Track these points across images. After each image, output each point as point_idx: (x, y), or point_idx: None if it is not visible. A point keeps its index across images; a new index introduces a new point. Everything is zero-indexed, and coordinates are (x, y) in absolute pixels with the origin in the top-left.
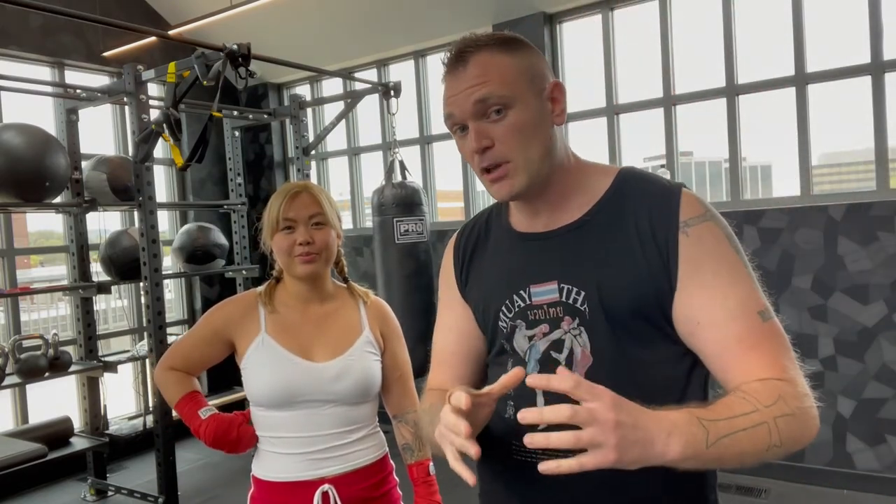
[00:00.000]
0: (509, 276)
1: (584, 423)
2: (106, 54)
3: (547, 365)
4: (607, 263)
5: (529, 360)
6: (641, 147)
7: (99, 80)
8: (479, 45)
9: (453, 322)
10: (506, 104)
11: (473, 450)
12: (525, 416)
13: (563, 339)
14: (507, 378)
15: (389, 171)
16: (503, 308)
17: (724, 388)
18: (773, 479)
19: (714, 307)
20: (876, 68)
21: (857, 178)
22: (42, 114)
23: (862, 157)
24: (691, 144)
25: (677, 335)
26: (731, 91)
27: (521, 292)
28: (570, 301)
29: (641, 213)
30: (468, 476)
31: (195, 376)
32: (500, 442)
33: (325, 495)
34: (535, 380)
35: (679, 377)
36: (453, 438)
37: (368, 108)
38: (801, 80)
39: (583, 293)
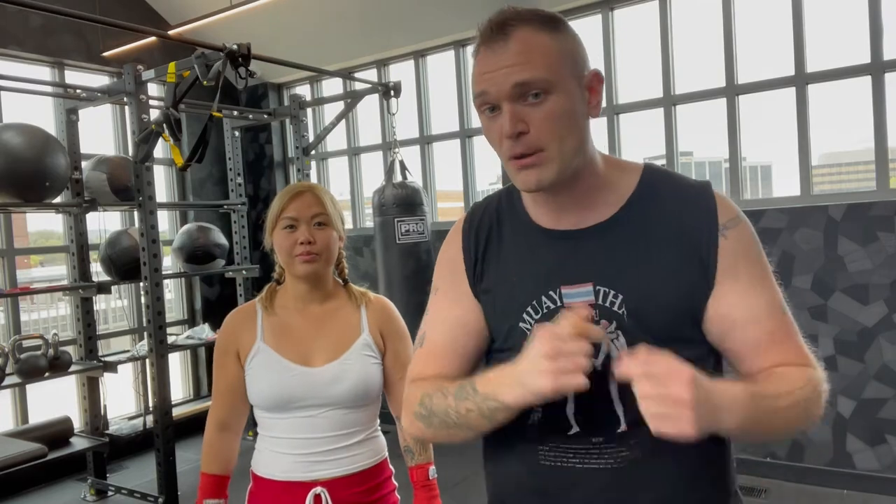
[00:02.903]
0: (536, 276)
1: (657, 401)
2: (106, 54)
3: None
4: (644, 265)
5: None
6: (641, 147)
7: (99, 80)
8: (522, 19)
9: (459, 316)
10: (546, 89)
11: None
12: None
13: (599, 343)
14: (588, 314)
15: (390, 171)
16: (529, 309)
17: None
18: (773, 479)
19: (749, 306)
20: (876, 68)
21: (857, 178)
22: (42, 114)
23: (862, 157)
24: (691, 144)
25: (702, 336)
26: (731, 91)
27: (552, 293)
28: (607, 304)
29: (678, 212)
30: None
31: (243, 420)
32: (525, 448)
33: (316, 498)
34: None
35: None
36: (575, 361)
37: (368, 108)
38: (801, 80)
39: (620, 296)
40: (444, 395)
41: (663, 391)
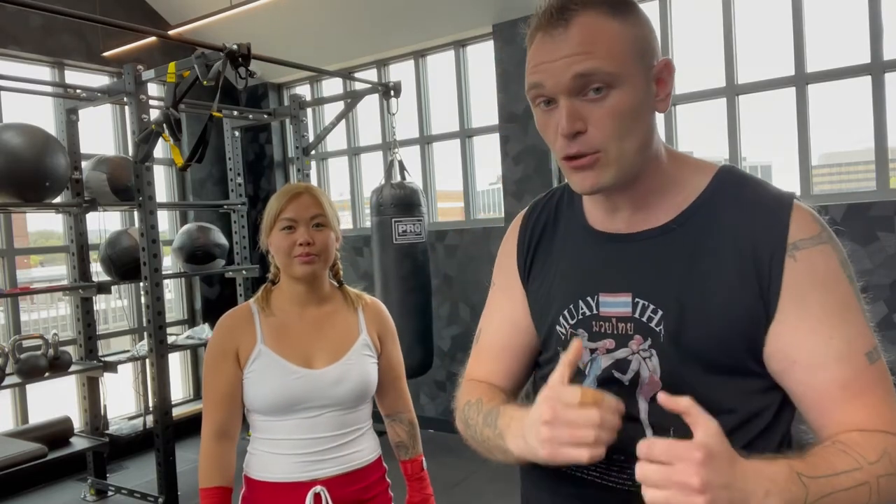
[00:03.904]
0: (576, 279)
1: (661, 486)
2: (106, 54)
3: (606, 385)
4: (694, 281)
5: (589, 375)
6: None
7: (99, 80)
8: (585, 2)
9: (509, 313)
10: (610, 83)
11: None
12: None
13: (629, 359)
14: (572, 355)
15: (389, 171)
16: (565, 313)
17: (815, 433)
18: None
19: (817, 346)
20: (876, 68)
21: (857, 178)
22: (42, 114)
23: (862, 157)
24: (691, 144)
25: (762, 369)
26: (731, 91)
27: (589, 299)
28: (645, 319)
29: (742, 225)
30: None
31: (239, 426)
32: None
33: (316, 497)
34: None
35: (761, 413)
36: (609, 434)
37: (368, 108)
38: (801, 80)
39: (660, 312)
40: (478, 411)
41: (668, 474)
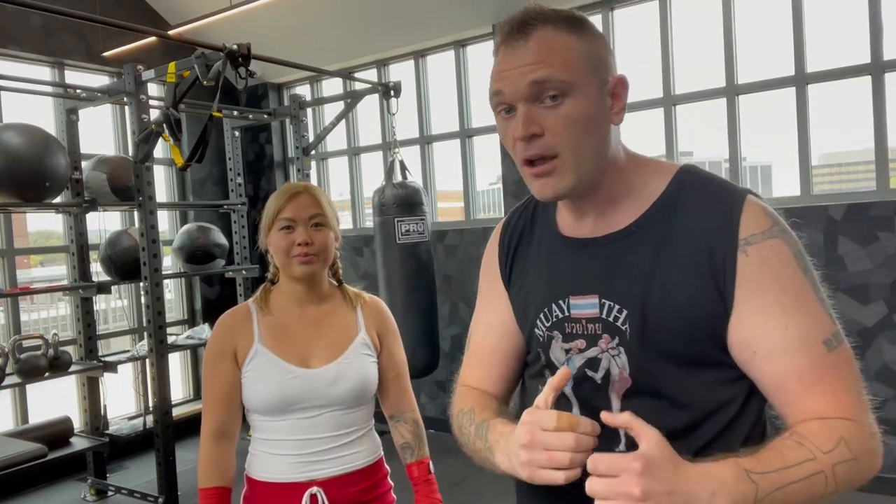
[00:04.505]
0: (549, 283)
1: (606, 497)
2: (106, 54)
3: (581, 383)
4: (655, 281)
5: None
6: (641, 147)
7: (99, 80)
8: (544, 18)
9: (496, 318)
10: (564, 91)
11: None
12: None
13: (599, 357)
14: (557, 380)
15: (390, 171)
16: (541, 316)
17: (782, 420)
18: None
19: (773, 337)
20: (876, 68)
21: (857, 178)
22: (42, 114)
23: (862, 157)
24: (691, 144)
25: (730, 359)
26: (731, 91)
27: (560, 302)
28: (611, 319)
29: (698, 223)
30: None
31: (239, 426)
32: None
33: (312, 498)
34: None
35: (730, 402)
36: (583, 457)
37: (368, 108)
38: (801, 80)
39: (625, 311)
40: (471, 422)
41: (612, 486)
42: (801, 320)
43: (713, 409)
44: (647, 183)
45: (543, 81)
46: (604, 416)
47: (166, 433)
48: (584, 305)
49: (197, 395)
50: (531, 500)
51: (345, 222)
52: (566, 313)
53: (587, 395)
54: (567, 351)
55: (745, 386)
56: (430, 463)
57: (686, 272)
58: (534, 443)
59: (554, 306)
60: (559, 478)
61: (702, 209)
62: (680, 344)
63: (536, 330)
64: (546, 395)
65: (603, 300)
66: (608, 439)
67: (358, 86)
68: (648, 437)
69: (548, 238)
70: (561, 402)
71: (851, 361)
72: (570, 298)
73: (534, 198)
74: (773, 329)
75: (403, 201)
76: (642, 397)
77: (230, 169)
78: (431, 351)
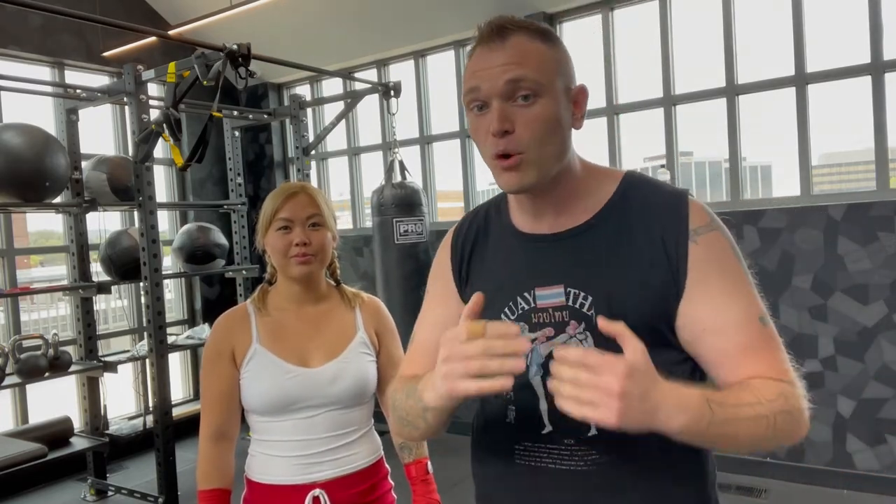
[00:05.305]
0: (513, 278)
1: (587, 385)
2: (106, 54)
3: (549, 368)
4: (616, 269)
5: (532, 364)
6: (641, 147)
7: (99, 80)
8: (519, 26)
9: (444, 317)
10: (537, 92)
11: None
12: (551, 385)
13: (567, 343)
14: (470, 307)
15: (389, 171)
16: (506, 310)
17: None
18: (773, 479)
19: (720, 315)
20: (876, 68)
21: (857, 178)
22: (42, 114)
23: (862, 157)
24: (691, 144)
25: (677, 341)
26: (731, 91)
27: (526, 294)
28: (577, 305)
29: (650, 220)
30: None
31: (238, 427)
32: (502, 446)
33: (315, 500)
34: (556, 354)
35: (679, 380)
36: (499, 363)
37: (368, 108)
38: (801, 80)
39: (590, 298)
40: (403, 392)
41: (594, 379)
42: (741, 300)
43: None
44: (599, 185)
45: (518, 80)
46: (600, 321)
47: (166, 433)
48: (551, 295)
49: (197, 395)
50: (495, 487)
51: (345, 222)
52: (532, 304)
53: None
54: (533, 340)
55: (689, 367)
56: (429, 463)
57: (642, 260)
58: (451, 355)
59: (519, 299)
60: (472, 388)
61: (652, 206)
62: (639, 324)
63: None
64: (462, 322)
65: (569, 289)
66: (578, 424)
67: (358, 86)
68: (635, 348)
69: (506, 237)
70: (526, 391)
71: (778, 336)
72: (535, 290)
73: (483, 206)
74: (720, 308)
75: (402, 202)
76: None
77: (230, 169)
78: None
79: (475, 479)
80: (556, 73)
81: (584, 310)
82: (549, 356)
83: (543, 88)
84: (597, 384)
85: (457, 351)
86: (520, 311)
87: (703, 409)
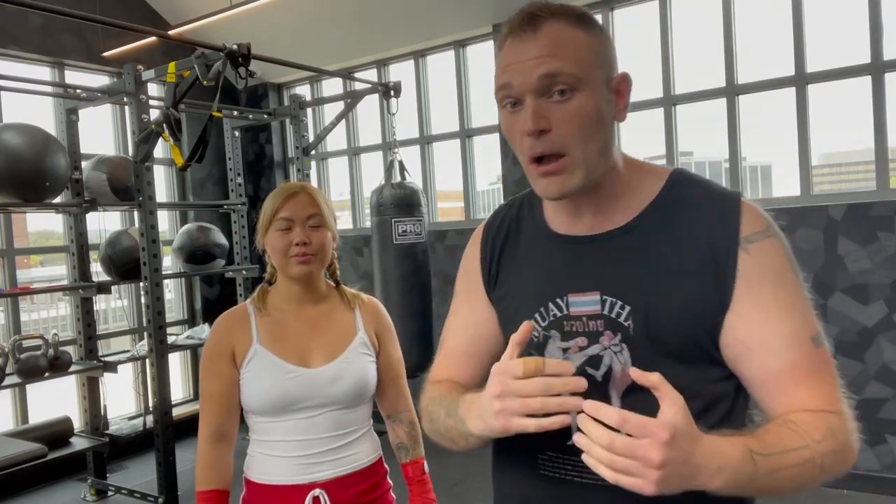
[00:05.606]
0: (546, 282)
1: (624, 455)
2: (106, 54)
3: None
4: (657, 276)
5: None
6: (641, 147)
7: (99, 80)
8: (553, 13)
9: (472, 321)
10: (574, 86)
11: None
12: (578, 440)
13: (601, 354)
14: (519, 335)
15: (389, 171)
16: (536, 316)
17: (766, 414)
18: None
19: (768, 332)
20: (876, 68)
21: (857, 178)
22: (42, 114)
23: (862, 157)
24: (691, 144)
25: (720, 357)
26: (731, 91)
27: (559, 301)
28: (613, 315)
29: (696, 223)
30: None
31: (237, 428)
32: (525, 456)
33: (315, 500)
34: (587, 406)
35: (722, 399)
36: (559, 402)
37: (368, 108)
38: (801, 80)
39: (628, 307)
40: (440, 405)
41: (632, 446)
42: (793, 318)
43: (709, 405)
44: (643, 184)
45: (553, 75)
46: (634, 372)
47: (166, 433)
48: (585, 302)
49: (197, 395)
50: (508, 494)
51: (344, 222)
52: (565, 311)
53: (587, 394)
54: (565, 351)
55: (733, 385)
56: (425, 463)
57: (686, 268)
58: (505, 392)
59: (551, 305)
60: (531, 425)
61: (700, 208)
62: (680, 339)
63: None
64: (510, 351)
65: (604, 296)
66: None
67: (358, 86)
68: (675, 402)
69: (538, 237)
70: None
71: (832, 360)
72: (569, 296)
73: (517, 199)
74: (770, 324)
75: (401, 202)
76: (643, 393)
77: (230, 169)
78: (426, 351)
79: (495, 489)
80: (595, 64)
81: (621, 320)
82: (582, 367)
83: (582, 82)
84: (634, 453)
85: (513, 388)
86: (551, 318)
87: (747, 464)
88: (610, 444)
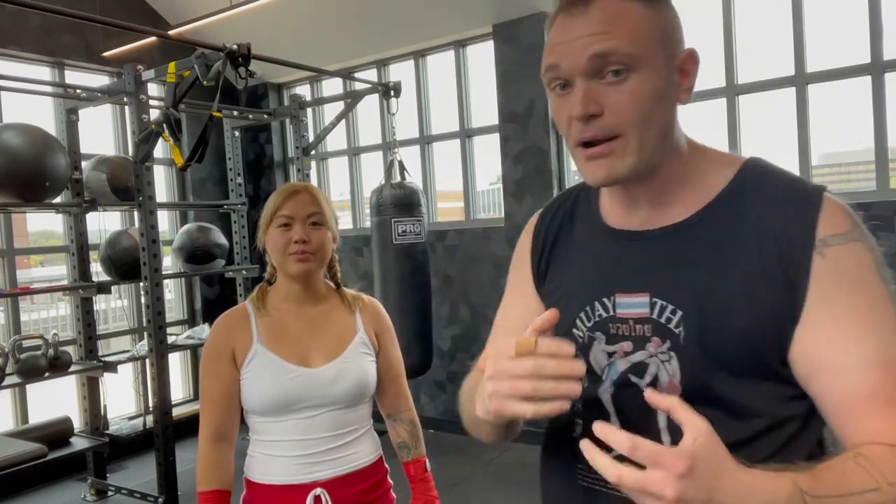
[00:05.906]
0: (593, 280)
1: (634, 490)
2: (106, 54)
3: (623, 389)
4: (716, 279)
5: (605, 380)
6: None
7: (99, 80)
8: None
9: (520, 314)
10: (630, 65)
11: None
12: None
13: (646, 362)
14: (541, 321)
15: (389, 171)
16: (581, 315)
17: (840, 442)
18: None
19: (844, 350)
20: (876, 68)
21: (857, 178)
22: (42, 114)
23: (862, 157)
24: None
25: (789, 374)
26: (731, 91)
27: (605, 300)
28: (663, 320)
29: (768, 220)
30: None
31: (237, 428)
32: (566, 463)
33: (316, 499)
34: (596, 429)
35: (789, 420)
36: (553, 386)
37: (368, 108)
38: (801, 80)
39: (680, 313)
40: (469, 393)
41: (644, 480)
42: (875, 335)
43: (771, 424)
44: (710, 173)
45: (606, 54)
46: (647, 394)
47: (166, 433)
48: (633, 304)
49: (197, 395)
50: (548, 501)
51: (344, 222)
52: (611, 312)
53: (628, 402)
54: (610, 354)
55: (805, 406)
56: (427, 462)
57: (751, 272)
58: (497, 372)
59: (597, 304)
60: (526, 410)
61: (773, 204)
62: (740, 351)
63: (576, 331)
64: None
65: (654, 299)
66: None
67: (358, 86)
68: (696, 428)
69: (592, 230)
70: (598, 410)
71: None
72: (616, 296)
73: (574, 189)
74: (846, 341)
75: (401, 202)
76: (693, 407)
77: (230, 169)
78: (425, 351)
79: (542, 488)
80: (655, 40)
81: (671, 325)
82: (625, 374)
83: (639, 60)
84: (644, 486)
85: (503, 368)
86: (596, 319)
87: None
88: (618, 478)
